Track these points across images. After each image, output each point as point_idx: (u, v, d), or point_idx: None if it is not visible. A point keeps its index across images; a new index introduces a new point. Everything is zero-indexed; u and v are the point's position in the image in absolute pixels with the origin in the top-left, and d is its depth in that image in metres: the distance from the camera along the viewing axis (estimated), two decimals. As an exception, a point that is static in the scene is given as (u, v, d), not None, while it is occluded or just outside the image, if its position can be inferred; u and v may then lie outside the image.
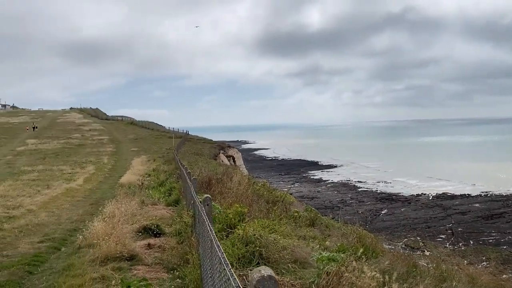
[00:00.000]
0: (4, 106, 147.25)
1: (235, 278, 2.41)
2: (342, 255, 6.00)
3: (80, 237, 10.32)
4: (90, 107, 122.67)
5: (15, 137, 60.49)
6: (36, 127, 71.10)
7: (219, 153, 54.47)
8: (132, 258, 8.35)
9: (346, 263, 5.49)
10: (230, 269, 2.61)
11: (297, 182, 55.64)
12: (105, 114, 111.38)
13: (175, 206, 14.83)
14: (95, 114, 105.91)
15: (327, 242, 8.70)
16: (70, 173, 29.18)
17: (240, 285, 2.31)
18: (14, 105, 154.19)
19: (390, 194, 45.37)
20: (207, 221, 4.74)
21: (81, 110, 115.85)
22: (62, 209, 16.72)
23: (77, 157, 40.72)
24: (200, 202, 6.54)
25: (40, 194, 19.96)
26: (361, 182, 54.68)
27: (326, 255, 5.95)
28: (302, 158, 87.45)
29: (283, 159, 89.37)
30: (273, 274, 1.99)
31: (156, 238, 10.03)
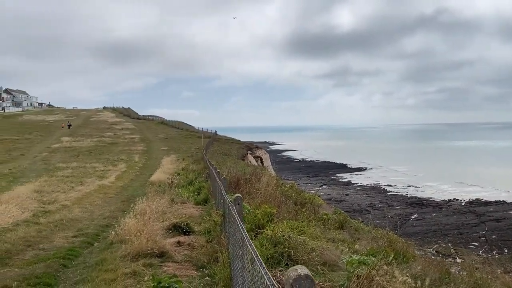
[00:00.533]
0: (41, 104, 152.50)
1: (269, 277, 2.42)
2: (373, 258, 5.93)
3: (112, 233, 10.57)
4: (122, 107, 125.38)
5: (50, 134, 62.53)
6: (71, 125, 73.32)
7: (247, 153, 54.67)
8: (162, 255, 8.49)
9: (377, 266, 5.42)
10: (264, 267, 2.63)
11: (325, 184, 55.19)
12: (137, 113, 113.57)
13: (204, 205, 14.98)
14: (127, 113, 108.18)
15: (356, 245, 8.61)
16: (102, 171, 29.92)
17: (275, 284, 2.32)
18: (50, 103, 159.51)
19: (420, 199, 44.40)
20: (238, 220, 4.78)
21: (114, 109, 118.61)
22: (94, 205, 17.18)
23: (109, 155, 41.73)
24: (231, 201, 6.59)
25: (74, 190, 20.56)
26: (390, 186, 53.75)
27: (356, 258, 5.89)
28: (330, 160, 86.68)
29: (311, 161, 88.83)
30: (309, 273, 1.99)
31: (186, 236, 10.16)
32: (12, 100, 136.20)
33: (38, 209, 15.36)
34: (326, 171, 70.44)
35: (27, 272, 8.07)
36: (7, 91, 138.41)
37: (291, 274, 1.98)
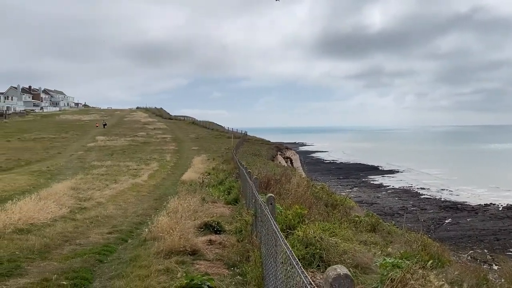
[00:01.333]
0: (77, 104, 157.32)
1: (306, 276, 2.43)
2: (407, 262, 5.83)
3: (146, 230, 10.80)
4: (155, 107, 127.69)
5: (86, 133, 64.40)
6: (106, 124, 75.41)
7: (277, 154, 54.62)
8: (194, 253, 8.61)
9: (411, 270, 5.33)
10: (300, 266, 2.64)
11: (356, 186, 54.48)
12: (168, 113, 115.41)
13: (234, 204, 15.09)
14: (159, 113, 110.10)
15: (389, 249, 8.47)
16: (135, 169, 30.58)
17: (312, 282, 2.33)
18: (86, 103, 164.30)
19: (455, 203, 43.15)
20: (272, 220, 4.80)
21: (146, 110, 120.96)
22: (128, 203, 17.58)
23: (142, 154, 42.60)
24: (263, 201, 6.62)
25: (108, 188, 21.10)
26: (423, 189, 52.51)
27: (390, 261, 5.81)
28: (361, 162, 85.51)
29: (341, 162, 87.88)
30: (349, 273, 1.99)
31: (217, 235, 10.27)
32: (50, 100, 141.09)
33: (74, 206, 15.86)
34: (357, 173, 69.52)
35: (65, 266, 8.35)
36: (45, 91, 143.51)
37: (330, 273, 1.98)
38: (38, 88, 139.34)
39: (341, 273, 1.96)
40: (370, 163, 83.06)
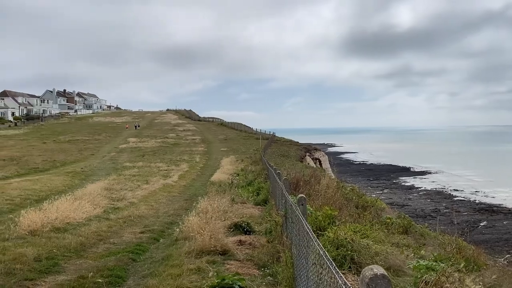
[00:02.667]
0: (109, 107, 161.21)
1: (341, 276, 2.42)
2: (442, 264, 5.70)
3: (177, 230, 10.96)
4: (184, 109, 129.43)
5: (118, 135, 65.94)
6: (138, 126, 77.12)
7: (305, 155, 54.35)
8: (224, 253, 8.68)
9: (446, 273, 5.21)
10: (335, 267, 2.63)
11: (386, 188, 53.57)
12: (197, 115, 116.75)
13: (263, 205, 15.11)
14: (189, 115, 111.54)
15: (422, 251, 8.30)
16: (166, 170, 31.08)
17: (347, 282, 2.32)
18: (118, 106, 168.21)
19: (490, 205, 41.79)
20: (303, 220, 4.80)
21: (176, 111, 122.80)
22: (159, 203, 17.89)
23: (172, 155, 43.26)
24: (294, 202, 6.61)
25: (140, 189, 21.54)
26: (457, 190, 51.10)
27: (424, 263, 5.69)
28: (392, 163, 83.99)
29: (371, 163, 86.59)
30: (386, 273, 1.98)
31: (247, 235, 10.31)
32: (84, 103, 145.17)
33: (108, 206, 16.26)
34: (387, 174, 68.34)
35: (99, 264, 8.58)
36: (79, 94, 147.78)
37: (366, 273, 1.97)
38: (72, 92, 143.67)
39: (378, 273, 1.94)
40: (401, 164, 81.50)
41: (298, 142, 68.03)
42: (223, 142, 60.10)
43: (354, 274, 6.25)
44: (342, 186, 18.63)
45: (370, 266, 2.05)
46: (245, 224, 10.92)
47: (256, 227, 11.17)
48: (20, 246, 9.56)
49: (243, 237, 10.06)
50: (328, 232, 7.63)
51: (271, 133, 75.48)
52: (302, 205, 5.97)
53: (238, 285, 6.20)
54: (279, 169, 17.87)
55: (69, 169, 31.39)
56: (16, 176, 26.86)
